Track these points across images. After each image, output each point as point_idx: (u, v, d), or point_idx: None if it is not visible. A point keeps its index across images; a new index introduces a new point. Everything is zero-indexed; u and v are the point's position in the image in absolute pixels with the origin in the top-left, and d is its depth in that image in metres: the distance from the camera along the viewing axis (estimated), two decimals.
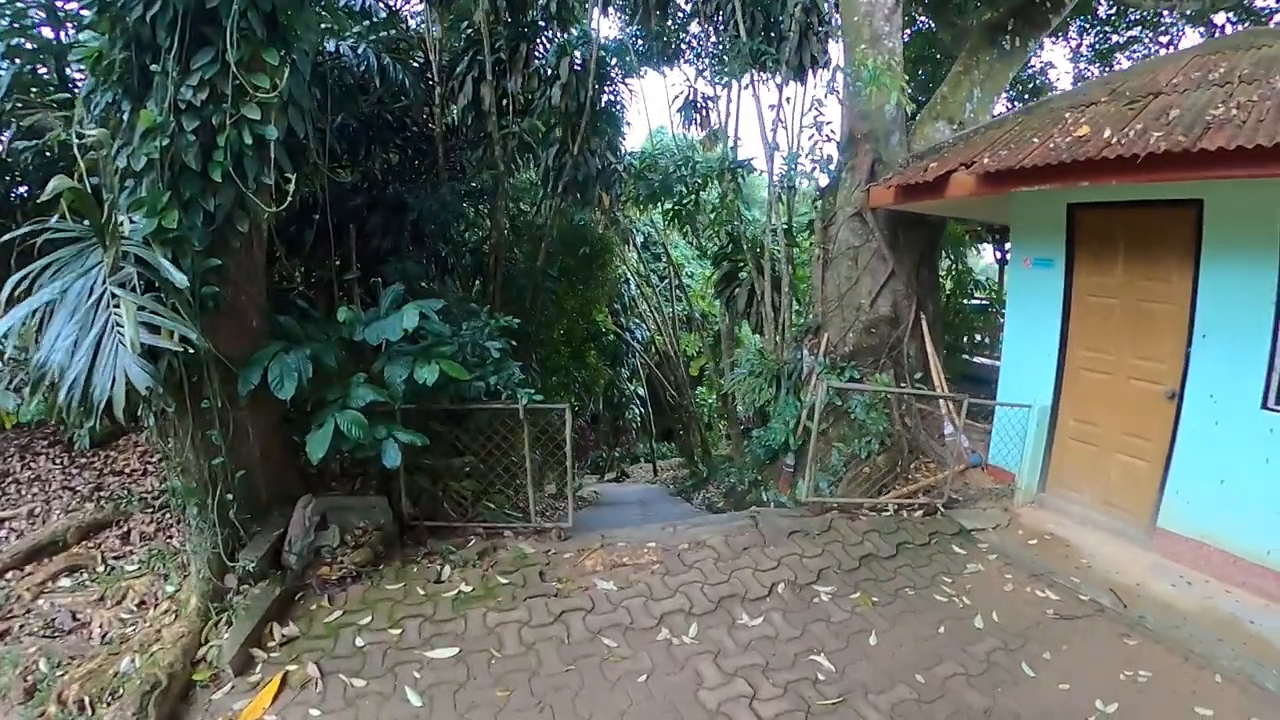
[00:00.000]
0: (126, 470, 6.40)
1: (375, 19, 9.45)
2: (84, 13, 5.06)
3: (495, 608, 5.00)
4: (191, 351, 4.31)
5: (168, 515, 5.78)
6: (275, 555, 5.15)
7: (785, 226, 10.28)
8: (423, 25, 10.26)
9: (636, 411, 21.23)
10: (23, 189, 6.18)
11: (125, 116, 4.45)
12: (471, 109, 9.62)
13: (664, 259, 19.46)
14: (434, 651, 4.53)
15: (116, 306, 4.01)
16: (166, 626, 4.50)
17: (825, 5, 9.63)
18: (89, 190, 4.15)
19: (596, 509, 13.22)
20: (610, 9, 11.47)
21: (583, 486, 5.95)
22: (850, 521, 6.42)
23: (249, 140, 4.47)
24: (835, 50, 9.61)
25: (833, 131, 8.80)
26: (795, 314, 10.34)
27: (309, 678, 4.22)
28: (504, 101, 9.85)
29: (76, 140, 4.39)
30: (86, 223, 4.23)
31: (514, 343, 7.01)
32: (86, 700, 3.96)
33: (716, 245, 14.42)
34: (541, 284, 11.14)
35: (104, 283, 4.09)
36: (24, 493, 6.30)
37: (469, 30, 9.88)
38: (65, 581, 5.20)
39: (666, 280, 19.55)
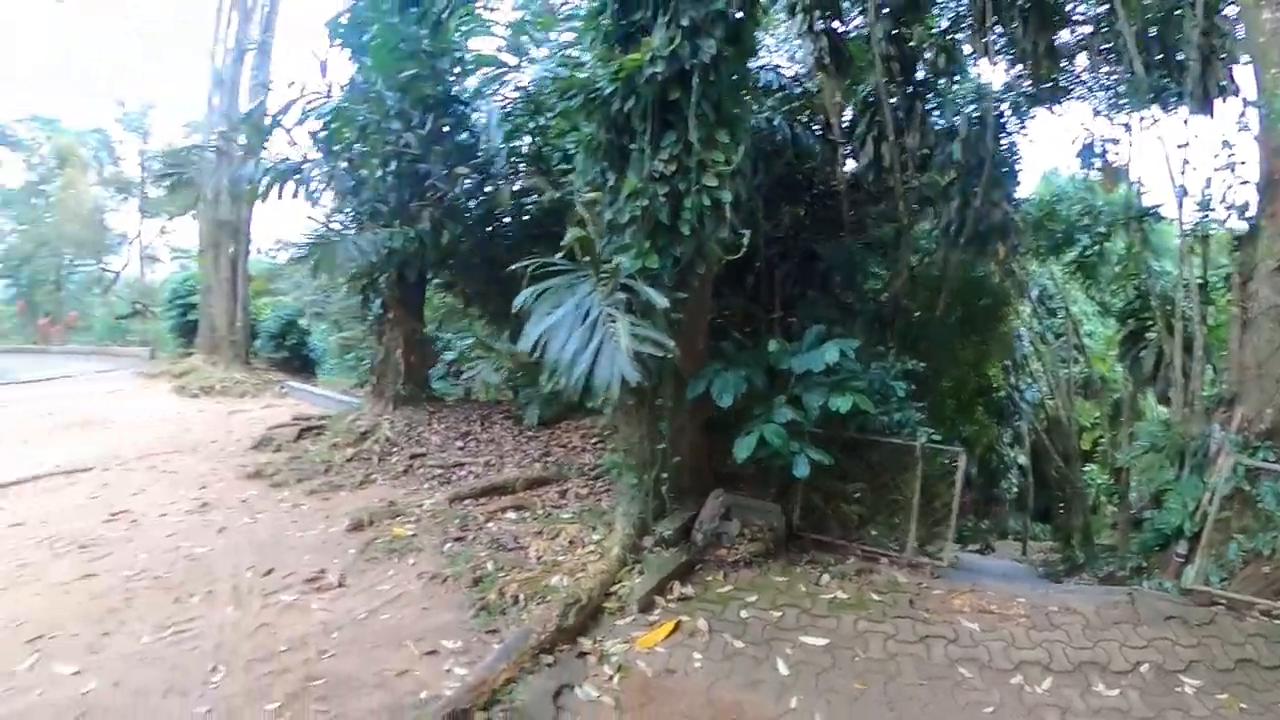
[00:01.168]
0: (569, 445, 8.08)
1: (788, 92, 10.43)
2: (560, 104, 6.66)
3: (865, 617, 5.39)
4: (667, 357, 5.47)
5: (599, 484, 7.14)
6: (686, 530, 6.17)
7: (1200, 281, 9.09)
8: (821, 92, 11.05)
9: (1014, 481, 19.34)
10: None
11: (610, 183, 5.80)
12: (873, 166, 10.10)
13: (1061, 314, 17.64)
14: (806, 637, 5.06)
15: (613, 321, 5.31)
16: (590, 563, 5.64)
17: (1225, 26, 8.54)
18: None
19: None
20: (997, 58, 11.33)
21: (942, 549, 5.99)
22: (1237, 620, 5.64)
23: (708, 202, 5.61)
24: (1244, 77, 8.33)
25: (1246, 171, 7.62)
26: (1209, 382, 9.18)
27: (698, 629, 5.00)
28: (902, 156, 10.27)
29: (579, 199, 5.95)
30: (586, 259, 5.76)
31: (912, 386, 7.45)
32: (521, 597, 5.22)
33: (1121, 301, 13.14)
34: (938, 334, 11.26)
35: (599, 305, 5.45)
36: (481, 449, 8.40)
37: (866, 93, 10.38)
38: (511, 515, 6.72)
39: (1063, 338, 17.89)
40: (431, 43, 8.25)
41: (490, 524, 6.54)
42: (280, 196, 8.60)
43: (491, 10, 8.87)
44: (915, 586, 6.03)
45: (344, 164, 8.71)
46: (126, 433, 11.80)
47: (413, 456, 8.27)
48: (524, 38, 8.54)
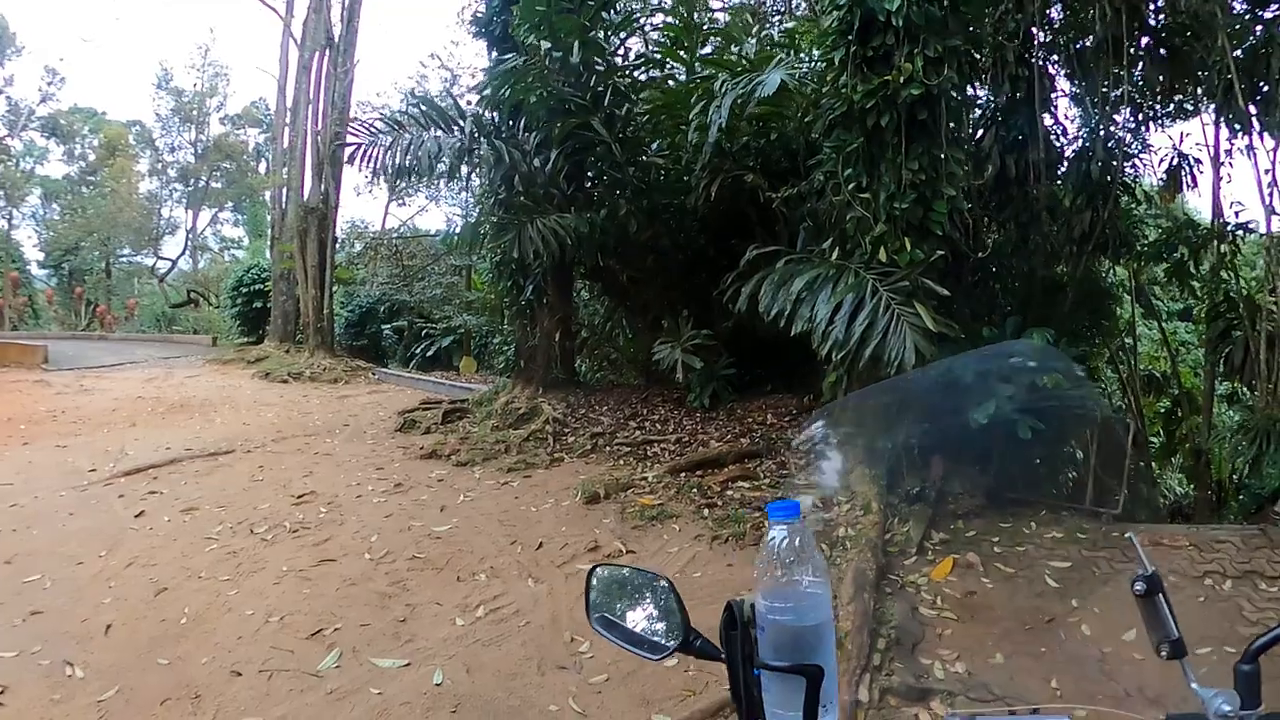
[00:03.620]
0: (764, 423, 7.85)
1: None
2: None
3: (1083, 547, 5.44)
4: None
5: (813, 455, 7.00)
6: (920, 488, 6.07)
7: None
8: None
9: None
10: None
11: (865, 185, 5.95)
12: (998, 176, 10.08)
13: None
14: (1053, 562, 5.06)
15: (903, 305, 5.46)
16: (859, 519, 5.54)
17: None
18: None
19: None
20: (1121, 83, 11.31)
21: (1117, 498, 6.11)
22: None
23: (944, 209, 5.80)
24: None
25: None
26: None
27: (971, 562, 5.00)
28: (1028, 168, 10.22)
29: (850, 199, 5.99)
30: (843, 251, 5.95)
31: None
32: (823, 546, 5.03)
33: (1207, 303, 13.35)
34: (1061, 332, 11.19)
35: (881, 291, 5.62)
36: (664, 428, 8.23)
37: (993, 106, 10.29)
38: (744, 484, 6.50)
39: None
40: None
41: (729, 492, 6.35)
42: (451, 178, 8.40)
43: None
44: (1101, 528, 6.04)
45: (517, 149, 8.51)
46: (238, 416, 11.58)
47: (593, 436, 7.99)
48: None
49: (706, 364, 7.89)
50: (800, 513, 0.96)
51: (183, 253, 34.68)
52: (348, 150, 9.10)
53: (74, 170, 34.37)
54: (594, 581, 1.24)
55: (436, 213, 35.61)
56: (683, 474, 6.77)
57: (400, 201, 21.42)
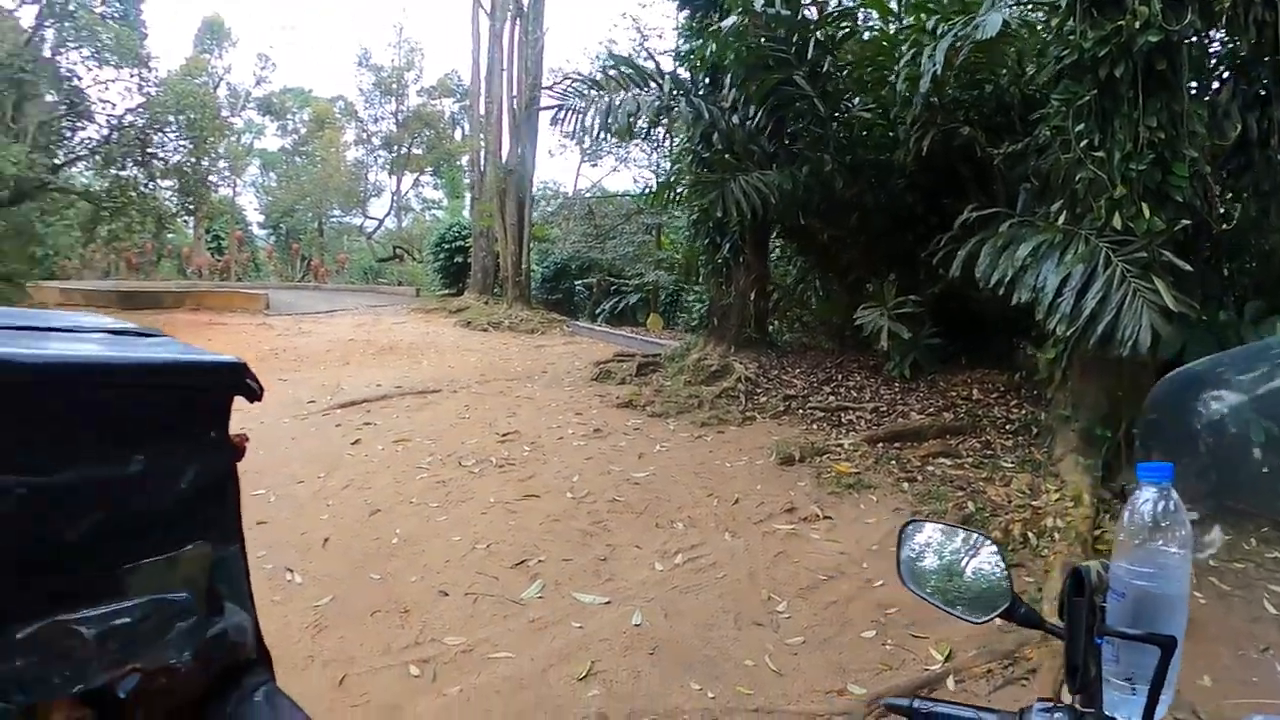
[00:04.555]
0: (970, 398, 7.43)
1: None
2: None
3: None
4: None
5: (1020, 437, 6.59)
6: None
7: None
8: None
9: None
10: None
11: (1097, 143, 5.38)
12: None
13: None
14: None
15: (1138, 279, 4.94)
16: (1068, 510, 5.13)
17: None
18: None
19: None
20: None
21: None
22: None
23: (1185, 173, 5.19)
24: None
25: None
26: None
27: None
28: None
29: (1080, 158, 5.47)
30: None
31: None
32: (1029, 535, 4.83)
33: None
34: None
35: (1115, 263, 5.10)
36: (860, 395, 7.98)
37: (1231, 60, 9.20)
38: (945, 461, 6.17)
39: None
40: None
41: (929, 467, 6.07)
42: (647, 136, 8.44)
43: None
44: None
45: (716, 105, 8.44)
46: (443, 359, 12.30)
47: (786, 398, 7.90)
48: None
49: (910, 332, 7.58)
50: (1172, 475, 0.90)
51: (388, 213, 37.47)
52: (550, 112, 9.31)
53: (287, 143, 38.12)
54: (906, 537, 1.23)
55: (624, 174, 36.34)
56: (880, 444, 6.54)
57: (593, 163, 21.86)
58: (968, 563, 1.16)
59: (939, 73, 6.18)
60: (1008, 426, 6.70)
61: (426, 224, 36.23)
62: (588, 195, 19.94)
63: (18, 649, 0.68)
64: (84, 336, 0.88)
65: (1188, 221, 5.26)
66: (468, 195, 34.88)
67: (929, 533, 1.24)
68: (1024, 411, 6.90)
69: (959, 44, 6.13)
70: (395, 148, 35.76)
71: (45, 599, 0.71)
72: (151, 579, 0.78)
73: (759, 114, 8.20)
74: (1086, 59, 5.24)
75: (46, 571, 0.72)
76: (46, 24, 17.99)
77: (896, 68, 7.12)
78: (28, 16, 17.84)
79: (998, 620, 1.06)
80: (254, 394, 0.88)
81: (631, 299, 16.88)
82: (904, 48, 7.05)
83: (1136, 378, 5.47)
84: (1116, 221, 5.22)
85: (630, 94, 8.59)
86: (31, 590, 0.71)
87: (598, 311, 17.62)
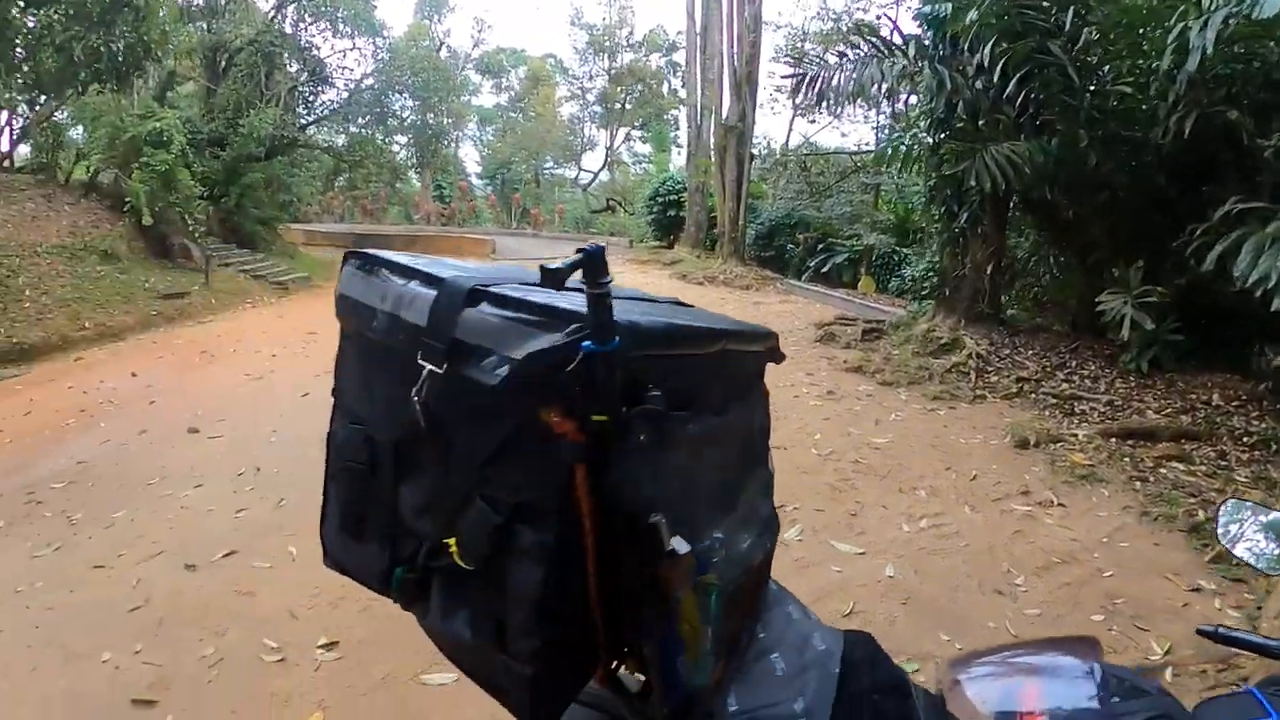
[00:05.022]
0: (1209, 402, 7.04)
1: None
2: None
3: None
4: None
5: (1259, 453, 6.28)
6: None
7: None
8: None
9: None
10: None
11: None
12: None
13: None
14: None
15: None
16: None
17: None
18: None
19: None
20: None
21: None
22: None
23: None
24: None
25: None
26: None
27: None
28: None
29: None
30: None
31: None
32: None
33: None
34: None
35: None
36: (1095, 386, 7.72)
37: None
38: (1179, 465, 5.96)
39: None
40: None
41: (1161, 469, 5.91)
42: (890, 102, 8.46)
43: None
44: None
45: (959, 73, 8.32)
46: None
47: (1019, 379, 7.81)
48: None
49: (1153, 324, 7.25)
50: None
51: (602, 167, 38.86)
52: (791, 81, 9.49)
53: (502, 99, 40.33)
54: (1224, 511, 1.56)
55: (836, 131, 35.80)
56: (1113, 439, 6.41)
57: (811, 119, 21.59)
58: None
59: (1209, 50, 5.76)
60: (1245, 439, 6.37)
61: (636, 177, 37.30)
62: (804, 153, 19.78)
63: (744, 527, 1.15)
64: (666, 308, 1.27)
65: None
66: (674, 150, 35.70)
67: (1246, 509, 1.56)
68: (1265, 425, 6.52)
69: (1235, 17, 5.73)
70: (608, 103, 36.91)
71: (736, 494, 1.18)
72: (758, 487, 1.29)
73: (1005, 81, 7.98)
74: None
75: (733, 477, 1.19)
76: (288, 2, 20.37)
77: (1168, 39, 6.70)
78: None
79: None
80: (782, 357, 1.38)
81: (839, 258, 16.76)
82: (1171, 20, 6.60)
83: None
84: None
85: (874, 62, 8.68)
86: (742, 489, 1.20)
87: (803, 269, 17.61)
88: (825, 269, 16.91)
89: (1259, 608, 4.15)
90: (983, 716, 1.09)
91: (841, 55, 8.84)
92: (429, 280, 0.95)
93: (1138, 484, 5.68)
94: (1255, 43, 6.61)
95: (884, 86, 8.75)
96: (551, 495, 0.86)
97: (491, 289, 0.90)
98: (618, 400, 0.85)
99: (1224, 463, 6.09)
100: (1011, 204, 9.46)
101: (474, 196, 36.23)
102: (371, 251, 1.05)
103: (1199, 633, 1.30)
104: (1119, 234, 8.19)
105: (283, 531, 4.81)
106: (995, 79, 7.88)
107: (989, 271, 9.26)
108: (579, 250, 0.85)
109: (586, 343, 0.82)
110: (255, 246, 18.57)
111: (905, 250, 15.66)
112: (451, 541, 0.91)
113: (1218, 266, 5.84)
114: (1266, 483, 5.73)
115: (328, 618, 3.85)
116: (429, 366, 0.88)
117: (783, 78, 16.14)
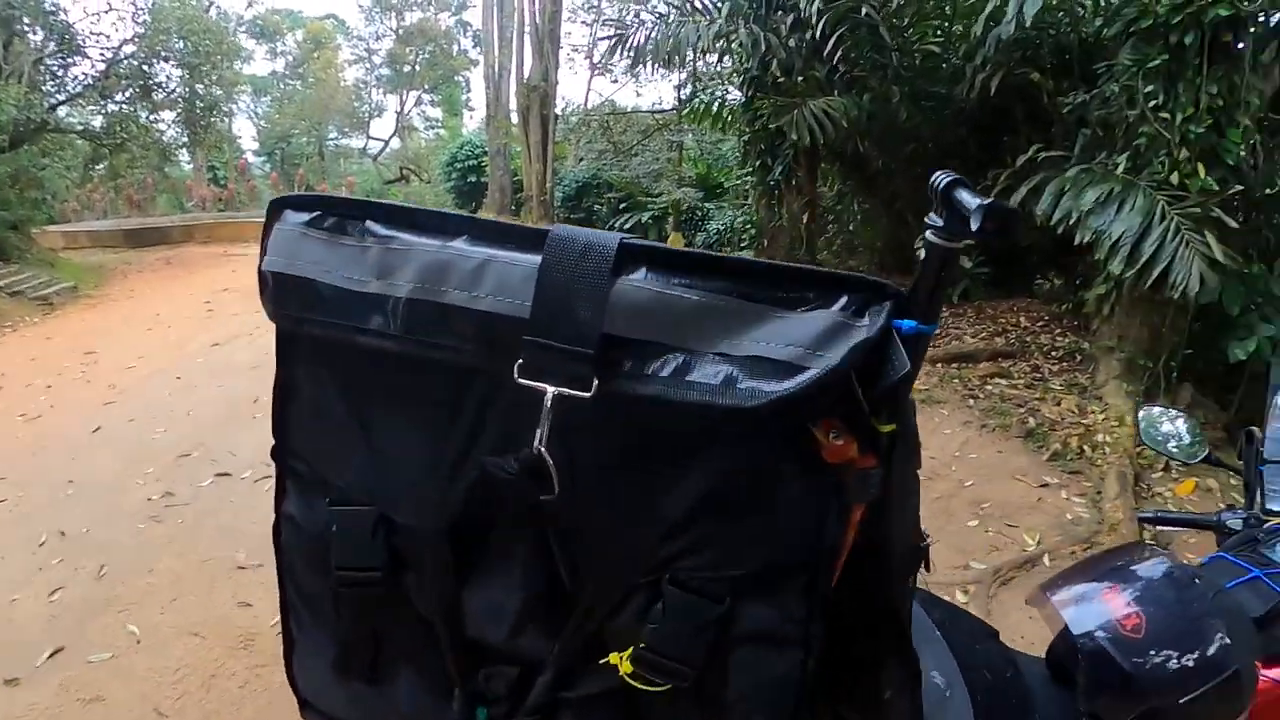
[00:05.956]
0: (1018, 325, 7.98)
1: None
2: None
3: None
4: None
5: (1067, 363, 7.10)
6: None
7: None
8: None
9: None
10: None
11: (1163, 104, 5.73)
12: None
13: None
14: None
15: (1192, 232, 5.42)
16: (1114, 428, 5.67)
17: None
18: None
19: None
20: None
21: None
22: None
23: (1239, 139, 5.66)
24: None
25: None
26: None
27: (1210, 487, 4.96)
28: None
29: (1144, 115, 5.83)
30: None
31: None
32: (1084, 448, 5.44)
33: None
34: None
35: (1166, 215, 5.55)
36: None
37: None
38: (1001, 381, 6.73)
39: None
40: None
41: (987, 386, 6.62)
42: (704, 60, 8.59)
43: None
44: None
45: (772, 32, 8.63)
46: None
47: None
48: None
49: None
50: None
51: (393, 134, 37.00)
52: (608, 41, 9.46)
53: (279, 66, 37.30)
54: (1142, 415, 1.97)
55: (628, 90, 35.90)
56: (939, 364, 7.04)
57: (613, 78, 21.50)
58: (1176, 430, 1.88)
59: (1027, 21, 6.26)
60: (1053, 354, 7.23)
61: (430, 143, 36.00)
62: (606, 112, 19.80)
63: None
64: None
65: (1240, 188, 5.75)
66: (466, 113, 34.70)
67: (1157, 414, 1.95)
68: (1068, 340, 7.44)
69: None
70: (397, 65, 35.21)
71: None
72: None
73: (824, 41, 8.32)
74: (1160, 25, 5.60)
75: None
76: None
77: (971, 6, 7.32)
78: None
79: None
80: None
81: (644, 216, 16.97)
82: None
83: (1175, 316, 6.17)
84: (1174, 178, 5.68)
85: (690, 24, 8.83)
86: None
87: (610, 228, 17.67)
88: (630, 226, 17.05)
89: (1099, 493, 4.76)
90: (1084, 629, 1.14)
91: (660, 16, 8.88)
92: (502, 236, 0.62)
93: (970, 401, 6.33)
94: (1046, 13, 7.20)
95: (699, 46, 8.90)
96: (806, 550, 0.62)
97: (654, 246, 0.61)
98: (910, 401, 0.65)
99: (1039, 375, 6.91)
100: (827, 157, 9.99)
101: (253, 176, 32.96)
102: (332, 195, 0.69)
103: (1140, 519, 1.67)
104: (922, 181, 8.84)
105: (114, 608, 3.90)
106: (816, 36, 8.19)
107: (805, 221, 9.74)
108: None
109: (909, 321, 0.60)
110: (7, 257, 15.62)
111: (709, 205, 16.14)
112: (619, 657, 0.64)
113: (1019, 207, 6.46)
114: (1078, 388, 6.54)
115: (206, 705, 3.19)
116: (553, 389, 0.57)
117: (601, 38, 15.95)
